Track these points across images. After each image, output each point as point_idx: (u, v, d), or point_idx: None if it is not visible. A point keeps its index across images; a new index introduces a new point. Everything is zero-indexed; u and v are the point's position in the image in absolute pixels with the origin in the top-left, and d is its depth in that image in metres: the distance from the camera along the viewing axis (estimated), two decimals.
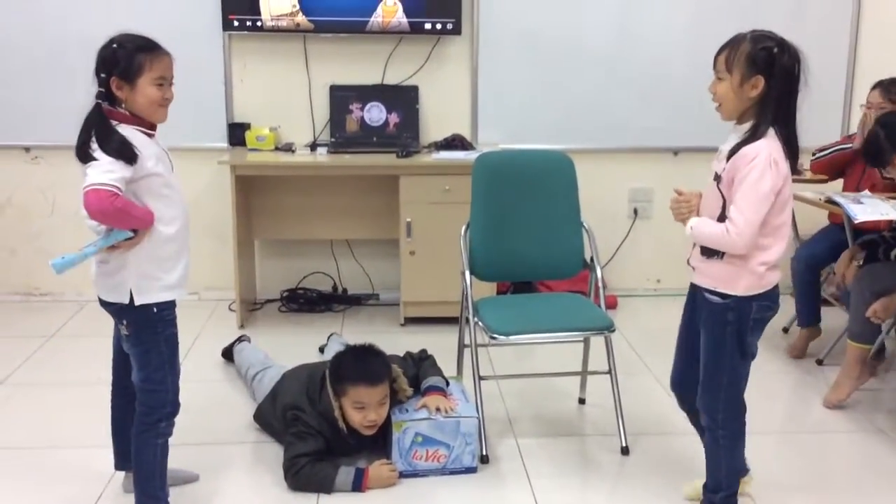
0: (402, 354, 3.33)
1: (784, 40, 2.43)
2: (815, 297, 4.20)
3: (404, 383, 3.14)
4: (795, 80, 2.43)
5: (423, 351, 3.35)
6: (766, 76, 2.39)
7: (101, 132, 2.40)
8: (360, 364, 3.03)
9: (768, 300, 2.54)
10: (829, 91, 4.91)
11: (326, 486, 2.94)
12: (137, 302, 2.50)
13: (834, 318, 4.25)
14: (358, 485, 2.95)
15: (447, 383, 3.22)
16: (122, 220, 2.41)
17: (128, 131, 2.44)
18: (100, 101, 2.44)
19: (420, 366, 3.26)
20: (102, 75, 2.44)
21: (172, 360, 2.62)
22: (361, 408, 2.97)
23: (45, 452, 3.21)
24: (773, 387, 3.87)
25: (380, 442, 3.11)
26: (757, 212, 2.40)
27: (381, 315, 4.83)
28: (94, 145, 2.39)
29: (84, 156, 2.40)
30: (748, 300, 2.51)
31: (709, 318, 2.58)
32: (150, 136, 2.51)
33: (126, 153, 2.39)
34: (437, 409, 3.06)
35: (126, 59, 2.44)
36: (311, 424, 3.01)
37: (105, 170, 2.35)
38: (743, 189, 2.40)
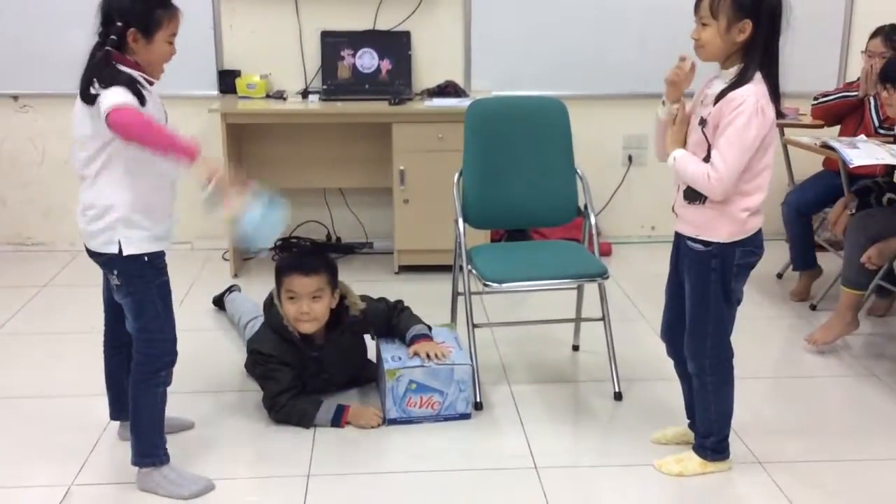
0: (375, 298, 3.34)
1: None
2: (807, 241, 4.20)
3: (355, 298, 3.17)
4: (779, 21, 2.40)
5: (400, 301, 3.33)
6: (754, 20, 2.36)
7: (109, 73, 2.37)
8: (296, 257, 3.10)
9: (751, 245, 2.53)
10: (826, 35, 4.87)
11: (306, 421, 3.00)
12: (126, 252, 2.48)
13: (828, 263, 4.25)
14: (337, 420, 3.00)
15: (430, 328, 3.22)
16: (151, 136, 2.33)
17: (134, 75, 2.43)
18: (109, 48, 2.40)
19: (399, 316, 3.25)
20: (118, 24, 2.40)
21: (167, 309, 2.61)
22: (293, 298, 3.01)
23: (41, 401, 3.22)
24: (765, 332, 3.88)
25: (347, 367, 3.21)
26: (739, 159, 2.38)
27: (375, 263, 4.82)
28: (100, 85, 2.36)
29: (90, 97, 2.37)
30: (731, 246, 2.50)
31: (692, 266, 2.58)
32: (150, 82, 2.50)
33: (135, 91, 2.37)
34: (429, 356, 3.07)
35: (146, 13, 2.42)
36: (272, 355, 3.03)
37: (121, 93, 2.33)
38: (727, 135, 2.38)
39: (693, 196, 2.51)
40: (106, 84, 2.36)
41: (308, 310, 3.01)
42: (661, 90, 2.62)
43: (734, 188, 2.42)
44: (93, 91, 2.37)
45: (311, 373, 3.10)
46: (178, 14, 2.51)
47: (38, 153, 4.84)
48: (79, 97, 2.43)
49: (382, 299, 3.32)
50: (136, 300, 2.55)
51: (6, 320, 3.96)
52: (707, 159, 2.44)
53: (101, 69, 2.39)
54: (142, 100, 2.39)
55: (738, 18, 2.37)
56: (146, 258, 2.51)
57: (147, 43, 2.44)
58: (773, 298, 4.25)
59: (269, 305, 3.16)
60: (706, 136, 2.45)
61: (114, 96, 2.32)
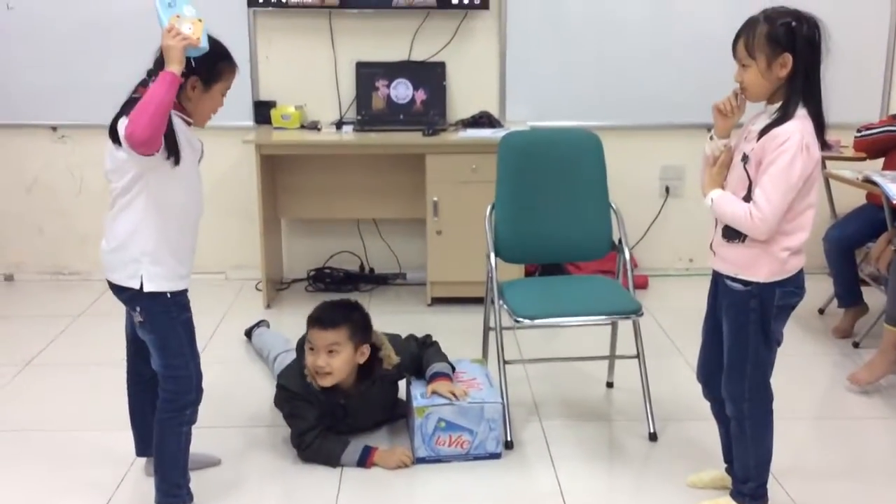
0: (404, 336, 3.28)
1: (799, 11, 2.34)
2: (851, 277, 4.09)
3: (390, 351, 3.11)
4: (818, 49, 2.33)
5: (428, 336, 3.29)
6: (792, 52, 2.30)
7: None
8: (324, 307, 3.03)
9: (792, 286, 2.46)
10: (869, 65, 4.78)
11: (333, 461, 2.97)
12: (147, 289, 2.47)
13: (871, 299, 4.14)
14: (363, 461, 2.96)
15: (453, 369, 3.17)
16: (150, 104, 2.24)
17: (175, 120, 2.41)
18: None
19: (424, 351, 3.20)
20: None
21: (191, 344, 2.59)
22: (312, 349, 2.98)
23: (70, 435, 3.21)
24: (806, 370, 3.77)
25: (374, 415, 3.18)
26: (784, 198, 2.31)
27: (407, 295, 4.78)
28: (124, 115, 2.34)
29: (114, 134, 2.37)
30: (771, 286, 2.43)
31: (731, 306, 2.50)
32: (188, 123, 2.50)
33: (173, 151, 2.38)
34: (453, 395, 3.01)
35: (210, 64, 2.43)
36: (298, 393, 3.00)
37: None
38: (771, 173, 2.31)
39: (732, 234, 2.44)
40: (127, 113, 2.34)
41: (324, 363, 2.95)
42: (700, 120, 2.58)
43: (777, 228, 2.35)
44: (119, 128, 2.35)
45: (336, 418, 3.07)
46: (236, 70, 2.53)
47: (76, 183, 4.88)
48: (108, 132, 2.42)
49: (411, 337, 3.27)
50: (160, 337, 2.54)
51: (39, 350, 3.97)
52: (748, 197, 2.38)
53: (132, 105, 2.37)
54: (172, 151, 2.37)
55: (777, 53, 2.31)
56: (169, 295, 2.49)
57: (203, 92, 2.46)
58: (814, 335, 4.14)
59: (301, 346, 3.12)
60: (748, 173, 2.39)
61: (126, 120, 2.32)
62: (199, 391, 2.62)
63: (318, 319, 3.00)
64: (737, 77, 2.41)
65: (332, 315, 3.01)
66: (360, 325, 3.03)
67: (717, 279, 2.57)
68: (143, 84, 2.42)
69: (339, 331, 2.97)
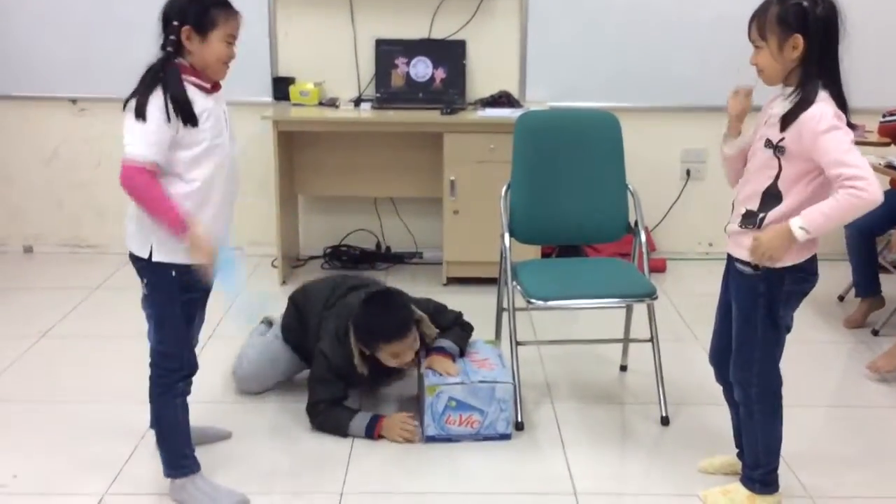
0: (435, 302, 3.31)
1: None
2: (871, 265, 4.03)
3: (429, 327, 3.13)
4: (834, 30, 2.27)
5: (460, 315, 3.29)
6: (803, 33, 2.25)
7: (145, 93, 2.35)
8: (387, 321, 3.01)
9: (803, 272, 2.41)
10: (891, 49, 4.67)
11: (341, 430, 3.01)
12: (155, 258, 2.45)
13: (892, 287, 4.08)
14: (371, 431, 2.99)
15: (462, 353, 3.17)
16: (149, 203, 2.39)
17: (190, 90, 2.40)
18: (170, 49, 2.39)
19: (451, 326, 3.22)
20: (175, 23, 2.38)
21: (189, 325, 2.59)
22: (398, 355, 3.00)
23: (82, 407, 3.23)
24: (823, 357, 3.73)
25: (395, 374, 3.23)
26: (858, 154, 2.22)
27: (423, 274, 4.77)
28: (154, 96, 2.34)
29: (134, 107, 2.35)
30: (780, 272, 2.39)
31: (740, 290, 2.48)
32: (207, 91, 2.46)
33: (186, 114, 2.37)
34: (448, 373, 3.03)
35: (201, 11, 2.39)
36: (335, 365, 3.03)
37: (141, 140, 2.33)
38: (829, 148, 2.22)
39: (748, 221, 2.40)
40: (137, 109, 2.33)
41: (411, 358, 3.05)
42: (722, 103, 2.54)
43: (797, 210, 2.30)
44: (142, 104, 2.34)
45: (361, 383, 3.14)
46: (236, 16, 2.46)
47: (95, 156, 4.90)
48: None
49: (448, 311, 3.29)
50: (159, 314, 2.54)
51: (55, 323, 4.00)
52: (773, 184, 2.33)
53: (155, 77, 2.36)
54: (186, 117, 2.36)
55: (787, 35, 2.26)
56: (173, 272, 2.47)
57: (202, 42, 2.40)
58: (833, 322, 4.08)
59: (345, 333, 3.07)
60: (779, 160, 2.33)
61: (133, 142, 2.33)
62: (192, 366, 2.61)
63: (397, 335, 2.99)
64: (752, 60, 2.37)
65: (403, 323, 3.02)
66: (413, 313, 3.09)
67: (730, 262, 2.53)
68: (170, 48, 2.39)
69: (413, 328, 3.04)
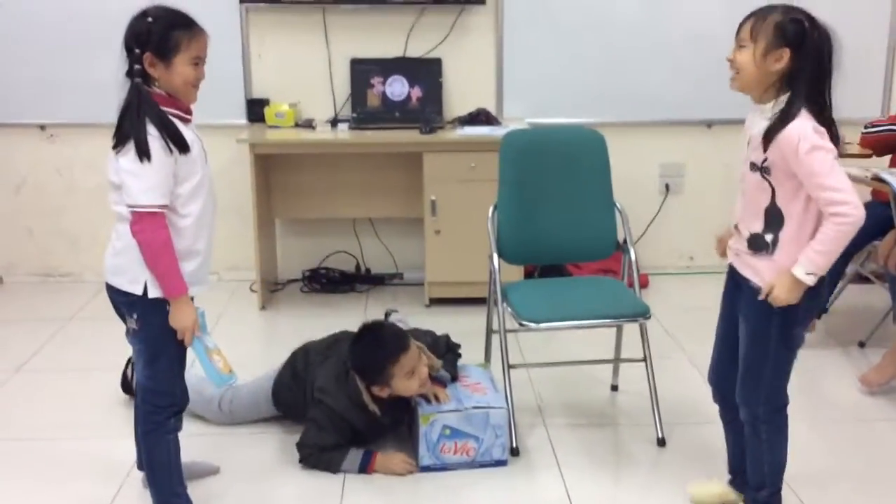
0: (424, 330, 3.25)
1: (815, 17, 2.26)
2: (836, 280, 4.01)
3: (431, 357, 3.05)
4: (827, 60, 2.25)
5: (448, 338, 3.24)
6: (794, 50, 2.23)
7: (154, 119, 2.27)
8: (384, 341, 2.94)
9: (820, 287, 2.36)
10: (868, 62, 4.72)
11: (334, 467, 2.92)
12: (151, 295, 2.36)
13: (876, 298, 4.08)
14: (364, 468, 2.91)
15: (453, 379, 3.11)
16: (157, 261, 2.32)
17: (175, 121, 2.32)
18: (138, 79, 2.29)
19: (445, 353, 3.15)
20: (136, 51, 2.27)
21: (182, 359, 2.50)
22: (412, 372, 2.90)
23: (62, 444, 3.12)
24: (810, 370, 3.71)
25: (406, 421, 3.10)
26: (842, 175, 2.20)
27: (405, 295, 4.71)
28: (150, 132, 2.26)
29: (134, 147, 2.26)
30: None
31: (752, 309, 2.41)
32: (185, 120, 2.37)
33: (179, 143, 2.29)
34: (436, 397, 2.97)
35: (161, 35, 2.28)
36: (336, 411, 2.92)
37: (159, 181, 2.27)
38: (812, 171, 2.20)
39: (759, 246, 2.36)
40: (139, 148, 2.25)
41: (426, 374, 2.95)
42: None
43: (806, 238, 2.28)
44: (141, 143, 2.26)
45: (374, 433, 3.04)
46: (201, 35, 2.34)
47: (66, 183, 4.78)
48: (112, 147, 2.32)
49: (439, 338, 3.23)
50: (151, 348, 2.44)
51: (30, 356, 3.88)
52: (771, 204, 2.31)
53: (136, 110, 2.27)
54: (180, 146, 2.29)
55: (778, 45, 2.24)
56: (168, 307, 2.38)
57: (166, 67, 2.29)
58: (817, 334, 4.06)
59: (343, 380, 2.98)
60: (769, 181, 2.30)
61: (144, 187, 2.26)
62: (183, 400, 2.54)
63: (398, 350, 2.89)
64: (731, 56, 2.33)
65: (398, 337, 2.96)
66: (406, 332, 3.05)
67: (736, 279, 2.48)
68: (137, 77, 2.29)
69: (411, 340, 2.97)
